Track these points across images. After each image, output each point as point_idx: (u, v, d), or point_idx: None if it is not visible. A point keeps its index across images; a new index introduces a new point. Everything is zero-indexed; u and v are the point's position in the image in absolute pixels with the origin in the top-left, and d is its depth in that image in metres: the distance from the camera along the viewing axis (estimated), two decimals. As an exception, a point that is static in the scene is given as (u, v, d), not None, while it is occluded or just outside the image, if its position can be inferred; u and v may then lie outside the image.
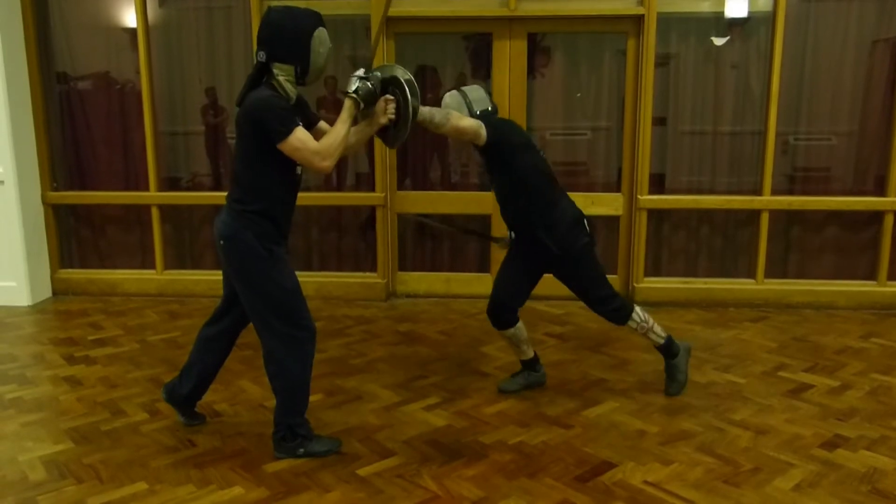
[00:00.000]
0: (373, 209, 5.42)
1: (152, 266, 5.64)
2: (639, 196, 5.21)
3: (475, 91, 3.44)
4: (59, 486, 2.82)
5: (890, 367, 4.08)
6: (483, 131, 3.23)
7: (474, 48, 5.38)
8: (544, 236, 3.36)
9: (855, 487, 2.79)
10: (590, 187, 5.35)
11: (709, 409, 3.51)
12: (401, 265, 5.59)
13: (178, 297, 5.52)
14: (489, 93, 3.53)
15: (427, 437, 3.23)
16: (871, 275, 5.24)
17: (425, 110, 3.10)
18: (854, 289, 5.22)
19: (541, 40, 5.36)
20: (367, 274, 5.53)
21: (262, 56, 2.79)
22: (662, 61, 5.19)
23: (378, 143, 5.13)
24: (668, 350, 3.65)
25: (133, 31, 5.34)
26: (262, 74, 2.82)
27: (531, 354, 3.73)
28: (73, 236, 5.77)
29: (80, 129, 5.60)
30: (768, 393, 3.71)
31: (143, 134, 5.42)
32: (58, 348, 4.43)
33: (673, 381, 3.66)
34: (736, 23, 5.11)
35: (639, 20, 5.05)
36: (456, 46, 5.42)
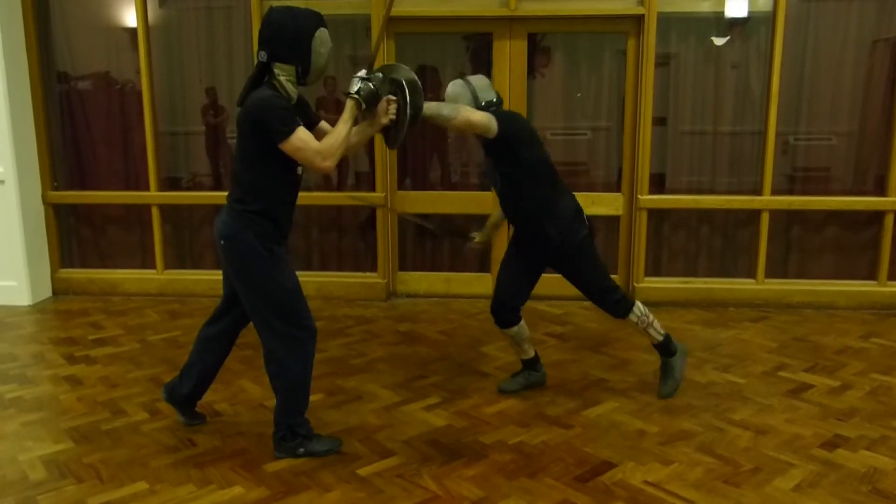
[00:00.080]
0: (373, 209, 5.41)
1: (153, 266, 5.64)
2: (639, 196, 5.21)
3: (480, 80, 3.41)
4: (60, 485, 2.82)
5: (890, 367, 4.08)
6: (494, 124, 3.21)
7: (474, 48, 5.38)
8: (549, 228, 3.36)
9: (855, 487, 2.79)
10: (590, 187, 5.35)
11: (709, 408, 3.51)
12: (401, 265, 5.59)
13: (179, 296, 5.52)
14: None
15: (427, 436, 3.23)
16: (871, 275, 5.24)
17: (432, 105, 3.10)
18: (854, 289, 5.22)
19: (541, 40, 5.36)
20: (368, 274, 5.54)
21: (264, 56, 2.79)
22: (662, 61, 5.19)
23: (378, 143, 5.14)
24: (666, 348, 3.65)
25: (133, 31, 5.34)
26: (263, 74, 2.82)
27: (532, 354, 3.74)
28: (74, 236, 5.77)
29: (81, 129, 5.60)
30: (768, 393, 3.71)
31: (144, 134, 5.43)
32: (58, 348, 4.43)
33: (667, 381, 3.64)
34: (736, 23, 5.11)
35: (639, 20, 5.05)
36: (456, 46, 5.42)
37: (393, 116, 2.97)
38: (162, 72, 5.45)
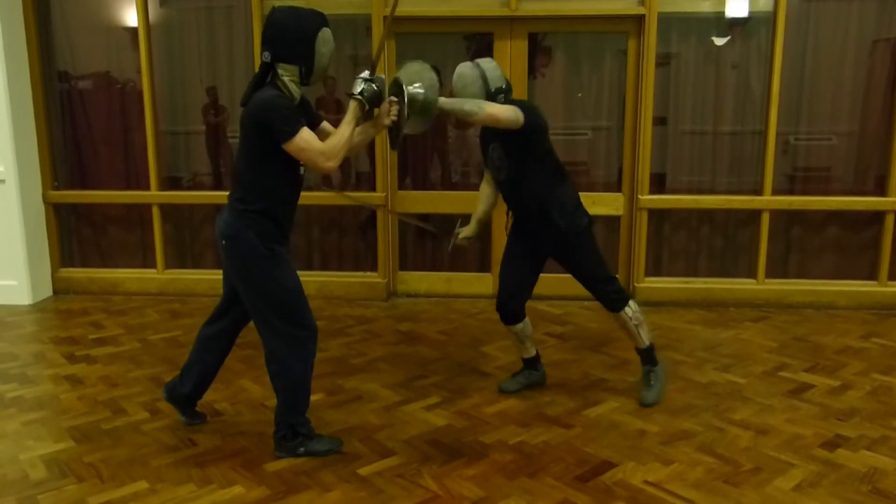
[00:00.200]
0: (373, 209, 5.41)
1: (153, 265, 5.65)
2: (639, 196, 5.21)
3: (490, 64, 3.38)
4: (60, 484, 2.82)
5: (890, 367, 4.08)
6: (521, 117, 3.19)
7: (475, 48, 5.38)
8: (555, 214, 3.36)
9: (855, 487, 2.79)
10: (590, 187, 5.34)
11: (709, 408, 3.51)
12: (401, 265, 5.60)
13: (179, 296, 5.53)
14: None
15: (427, 436, 3.23)
16: (871, 275, 5.25)
17: (454, 101, 3.11)
18: (855, 289, 5.22)
19: (541, 40, 5.36)
20: (368, 273, 5.54)
21: (267, 56, 2.79)
22: (663, 61, 5.19)
23: (378, 142, 5.14)
24: (650, 355, 3.64)
25: (134, 31, 5.34)
26: (266, 74, 2.83)
27: (533, 353, 3.74)
28: (74, 235, 5.77)
29: (81, 129, 5.60)
30: (769, 393, 3.71)
31: (144, 133, 5.43)
32: (59, 347, 4.44)
33: (650, 389, 3.60)
34: (736, 23, 5.11)
35: (639, 20, 5.05)
36: (457, 46, 5.42)
37: (395, 118, 2.98)
38: (163, 71, 5.46)
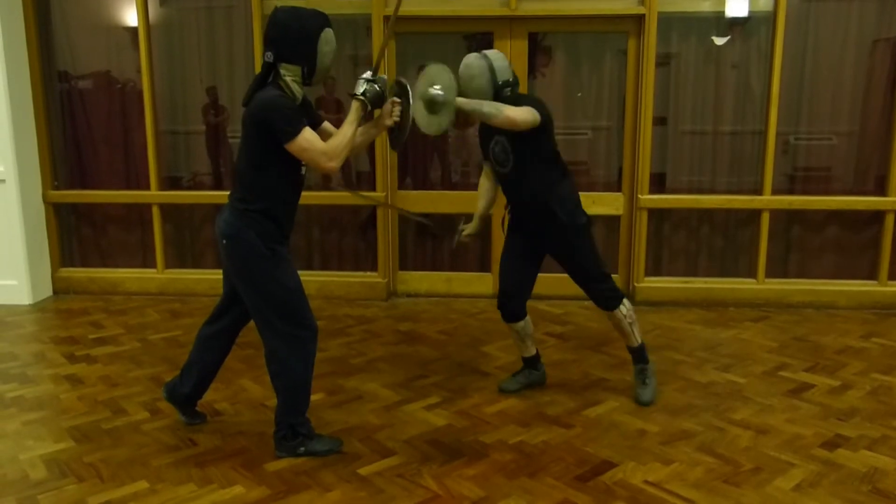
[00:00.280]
0: (373, 209, 5.42)
1: (153, 265, 5.65)
2: (639, 195, 5.21)
3: (498, 56, 3.37)
4: (60, 484, 2.82)
5: (891, 366, 4.08)
6: (538, 119, 3.19)
7: (476, 48, 5.37)
8: (556, 208, 3.36)
9: (856, 487, 2.79)
10: (590, 187, 5.34)
11: (709, 408, 3.51)
12: (402, 265, 5.60)
13: (179, 295, 5.53)
14: None
15: (428, 436, 3.23)
16: (871, 274, 5.25)
17: (473, 102, 3.11)
18: (855, 288, 5.22)
19: (542, 40, 5.36)
20: (368, 273, 5.54)
21: (270, 56, 2.79)
22: (663, 61, 5.19)
23: (378, 142, 5.14)
24: (642, 354, 3.64)
25: (134, 31, 5.34)
26: (268, 74, 2.83)
27: (534, 352, 3.74)
28: (74, 235, 5.78)
29: (81, 128, 5.60)
30: (769, 392, 3.71)
31: (144, 133, 5.43)
32: (59, 347, 4.44)
33: (646, 387, 3.60)
34: (736, 22, 5.11)
35: (640, 20, 5.05)
36: (457, 46, 5.42)
37: (397, 119, 2.98)
38: (163, 71, 5.45)
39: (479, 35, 5.33)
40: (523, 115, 3.15)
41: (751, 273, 5.31)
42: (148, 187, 5.53)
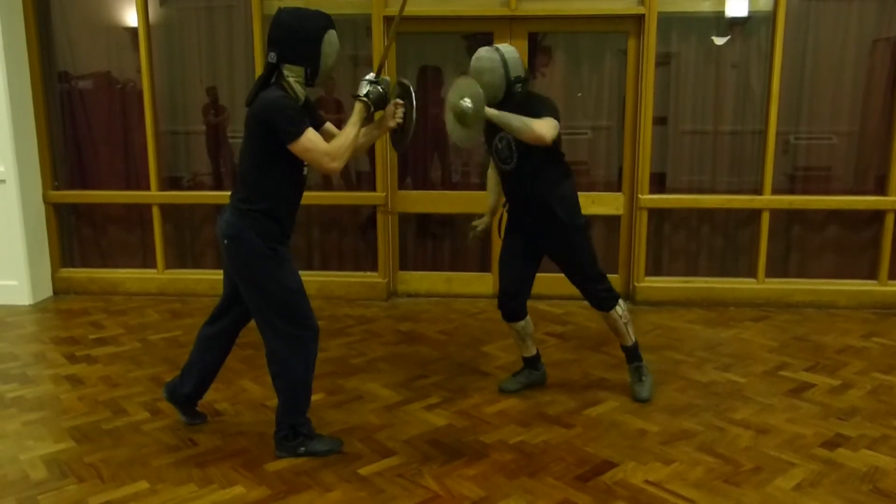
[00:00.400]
0: (373, 208, 5.42)
1: (153, 265, 5.65)
2: (639, 195, 5.21)
3: (511, 52, 3.34)
4: (61, 485, 2.82)
5: (891, 366, 4.08)
6: (558, 125, 3.21)
7: (476, 48, 5.37)
8: (556, 207, 3.36)
9: (856, 487, 2.79)
10: (590, 187, 5.34)
11: (709, 408, 3.51)
12: (402, 265, 5.60)
13: (180, 296, 5.53)
14: None
15: (428, 436, 3.23)
16: (871, 274, 5.24)
17: (503, 115, 3.12)
18: (855, 288, 5.22)
19: (542, 40, 5.36)
20: (369, 273, 5.54)
21: (273, 57, 2.79)
22: (663, 61, 5.19)
23: (379, 142, 5.14)
24: (635, 352, 3.65)
25: (134, 31, 5.34)
26: (271, 75, 2.83)
27: (534, 352, 3.74)
28: (75, 235, 5.78)
29: (82, 129, 5.60)
30: (769, 392, 3.71)
31: (144, 133, 5.42)
32: (59, 347, 4.44)
33: (643, 384, 3.61)
34: (736, 22, 5.11)
35: (639, 20, 5.05)
36: (457, 46, 5.42)
37: (400, 120, 2.99)
38: (163, 71, 5.45)
39: (479, 35, 5.32)
40: (550, 130, 3.15)
41: (751, 273, 5.31)
42: (148, 187, 5.53)
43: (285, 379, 2.95)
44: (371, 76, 2.94)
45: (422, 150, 5.55)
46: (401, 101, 2.98)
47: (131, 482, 2.83)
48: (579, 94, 5.36)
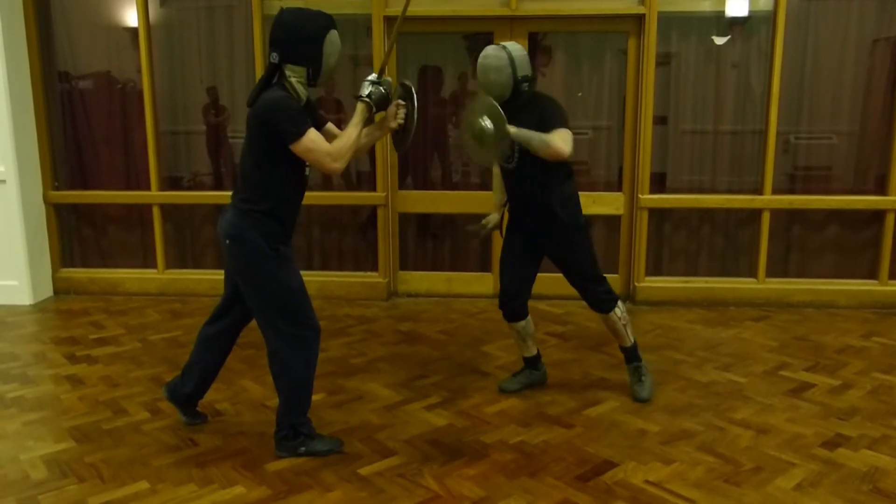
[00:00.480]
0: (374, 208, 5.42)
1: (154, 265, 5.65)
2: (640, 195, 5.20)
3: (519, 50, 3.32)
4: (61, 485, 2.82)
5: (891, 366, 4.08)
6: (572, 134, 3.22)
7: (476, 48, 5.38)
8: (558, 208, 3.36)
9: (856, 487, 2.79)
10: (591, 186, 5.34)
11: (710, 408, 3.51)
12: (402, 264, 5.60)
13: (180, 296, 5.53)
14: None
15: (428, 436, 3.23)
16: (872, 274, 5.24)
17: (522, 133, 3.12)
18: (855, 288, 5.22)
19: (542, 40, 5.36)
20: (369, 273, 5.54)
21: (275, 57, 2.79)
22: (663, 60, 5.19)
23: (379, 142, 5.13)
24: (634, 353, 3.65)
25: (134, 31, 5.34)
26: (273, 75, 2.83)
27: (535, 352, 3.74)
28: (75, 235, 5.78)
29: (82, 129, 5.60)
30: (769, 392, 3.71)
31: (145, 133, 5.43)
32: (59, 347, 4.44)
33: (642, 384, 3.62)
34: (736, 22, 5.11)
35: (640, 19, 5.05)
36: (457, 46, 5.42)
37: (402, 121, 2.99)
38: (163, 71, 5.45)
39: (479, 35, 5.32)
40: (568, 145, 3.18)
41: (751, 272, 5.31)
42: (148, 187, 5.53)
43: (287, 379, 2.95)
44: (373, 77, 2.94)
45: (422, 150, 5.55)
46: (402, 102, 2.99)
47: (132, 482, 2.83)
48: (580, 94, 5.36)
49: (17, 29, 5.22)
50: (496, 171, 3.72)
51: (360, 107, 2.89)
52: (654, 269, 5.41)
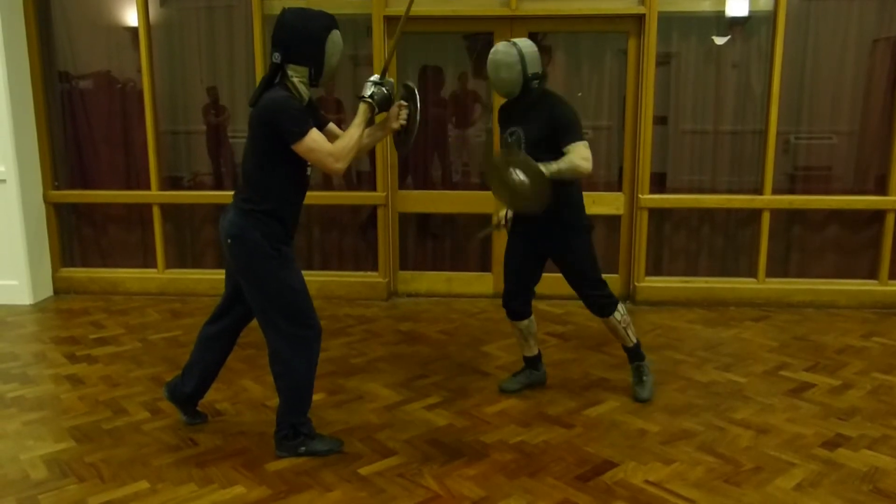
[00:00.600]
0: (374, 208, 5.42)
1: (154, 265, 5.65)
2: (640, 195, 5.20)
3: (529, 47, 3.28)
4: (61, 484, 2.82)
5: (891, 366, 4.08)
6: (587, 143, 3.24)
7: (479, 50, 5.38)
8: (562, 210, 3.36)
9: (856, 487, 2.79)
10: (591, 186, 5.32)
11: (710, 408, 3.51)
12: (402, 264, 5.60)
13: (180, 295, 5.53)
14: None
15: (428, 436, 3.23)
16: (872, 274, 5.24)
17: (558, 168, 3.13)
18: (855, 288, 5.22)
19: (542, 39, 5.35)
20: (369, 273, 5.54)
21: (277, 57, 2.79)
22: (663, 60, 5.19)
23: (380, 142, 5.13)
24: (637, 352, 3.64)
25: (134, 30, 5.34)
26: (276, 75, 2.83)
27: (536, 351, 3.74)
28: (75, 235, 5.78)
29: (82, 128, 5.60)
30: (769, 392, 3.71)
31: (145, 133, 5.43)
32: (59, 347, 4.44)
33: (643, 384, 3.62)
34: (737, 22, 5.11)
35: (640, 19, 5.05)
36: (457, 46, 5.42)
37: (404, 122, 2.99)
38: (163, 71, 5.46)
39: (479, 35, 5.33)
40: (589, 161, 3.19)
41: (751, 273, 5.31)
42: (148, 187, 5.53)
43: (288, 379, 2.95)
44: (375, 77, 2.95)
45: (422, 150, 5.55)
46: (405, 103, 2.99)
47: (132, 482, 2.83)
48: (580, 94, 5.36)
49: (17, 29, 5.22)
50: None
51: (362, 107, 2.90)
52: (655, 269, 5.41)
